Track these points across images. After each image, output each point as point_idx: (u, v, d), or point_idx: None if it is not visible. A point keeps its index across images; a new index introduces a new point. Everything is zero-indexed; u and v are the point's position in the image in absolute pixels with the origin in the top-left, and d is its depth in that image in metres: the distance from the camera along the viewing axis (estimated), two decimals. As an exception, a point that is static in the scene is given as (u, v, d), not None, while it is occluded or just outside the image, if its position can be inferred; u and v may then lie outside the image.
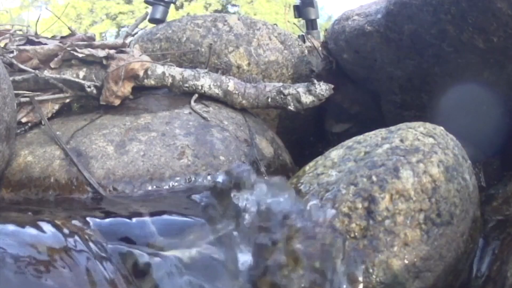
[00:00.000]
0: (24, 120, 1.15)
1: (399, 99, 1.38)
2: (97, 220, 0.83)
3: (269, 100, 1.29)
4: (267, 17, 10.05)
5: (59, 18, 1.62)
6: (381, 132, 0.90)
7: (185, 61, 1.44)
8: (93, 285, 0.75)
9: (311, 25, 1.99)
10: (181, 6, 10.85)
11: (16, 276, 0.69)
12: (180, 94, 1.30)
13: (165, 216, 0.84)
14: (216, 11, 11.10)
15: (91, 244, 0.80)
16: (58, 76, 1.19)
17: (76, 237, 0.80)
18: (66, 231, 0.81)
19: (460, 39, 1.12)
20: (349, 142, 0.92)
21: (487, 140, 1.20)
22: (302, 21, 2.07)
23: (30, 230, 0.78)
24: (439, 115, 1.23)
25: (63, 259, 0.75)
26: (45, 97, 1.19)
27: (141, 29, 1.62)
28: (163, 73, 1.27)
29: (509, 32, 1.04)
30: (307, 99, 1.28)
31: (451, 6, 1.09)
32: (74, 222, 0.84)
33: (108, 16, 11.79)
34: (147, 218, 0.81)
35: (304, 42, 1.69)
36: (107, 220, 0.85)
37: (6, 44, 1.27)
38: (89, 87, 1.20)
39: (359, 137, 0.93)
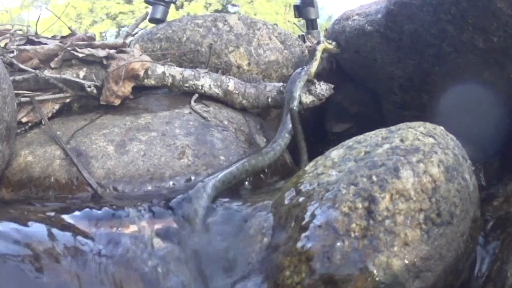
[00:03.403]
0: (24, 120, 1.15)
1: (399, 99, 1.38)
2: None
3: (269, 100, 1.29)
4: (267, 17, 10.05)
5: (59, 18, 1.62)
6: (381, 132, 0.90)
7: (185, 61, 1.44)
8: (92, 283, 0.75)
9: (311, 25, 1.99)
10: (181, 6, 10.85)
11: (15, 275, 0.69)
12: (180, 94, 1.30)
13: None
14: (216, 11, 11.10)
15: (88, 240, 0.80)
16: (58, 76, 1.19)
17: (73, 234, 0.80)
18: (63, 228, 0.81)
19: (460, 39, 1.12)
20: (349, 142, 0.92)
21: (487, 140, 1.20)
22: (302, 21, 2.07)
23: (29, 229, 0.79)
24: (439, 115, 1.23)
25: (61, 257, 0.75)
26: (45, 97, 1.19)
27: (141, 29, 1.62)
28: (163, 73, 1.27)
29: (509, 32, 1.04)
30: (307, 99, 1.28)
31: (451, 6, 1.09)
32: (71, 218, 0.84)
33: (108, 16, 11.79)
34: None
35: (304, 42, 1.69)
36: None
37: (6, 44, 1.27)
38: (89, 87, 1.20)
39: (359, 137, 0.93)
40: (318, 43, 1.45)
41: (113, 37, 12.55)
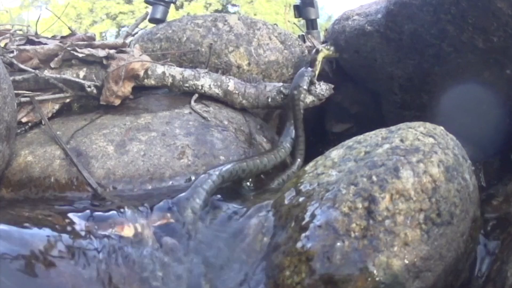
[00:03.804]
0: (24, 120, 1.15)
1: (399, 99, 1.38)
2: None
3: (269, 100, 1.29)
4: (267, 17, 10.04)
5: (59, 18, 1.62)
6: (381, 132, 0.90)
7: (185, 61, 1.44)
8: (92, 284, 0.75)
9: (311, 25, 1.99)
10: (181, 6, 10.84)
11: (15, 275, 0.69)
12: (180, 94, 1.30)
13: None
14: (216, 11, 11.10)
15: (87, 240, 0.80)
16: (58, 76, 1.19)
17: (73, 234, 0.80)
18: (63, 228, 0.81)
19: (460, 39, 1.12)
20: (349, 142, 0.92)
21: (487, 140, 1.20)
22: (302, 21, 2.07)
23: (28, 229, 0.79)
24: (439, 115, 1.23)
25: (61, 257, 0.75)
26: (45, 97, 1.19)
27: (141, 29, 1.62)
28: (163, 73, 1.27)
29: (509, 32, 1.04)
30: (307, 99, 1.28)
31: (451, 6, 1.09)
32: (70, 218, 0.84)
33: (108, 16, 11.79)
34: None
35: (304, 42, 1.69)
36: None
37: (6, 44, 1.27)
38: (89, 87, 1.20)
39: (359, 137, 0.93)
40: (317, 52, 1.41)
41: (113, 37, 12.55)
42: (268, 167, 1.09)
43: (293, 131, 1.21)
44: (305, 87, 1.25)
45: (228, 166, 1.00)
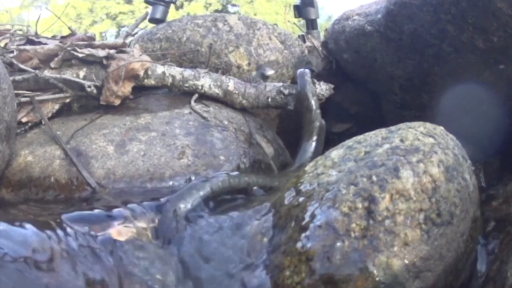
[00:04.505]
0: (24, 120, 1.15)
1: (399, 99, 1.38)
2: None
3: (269, 100, 1.29)
4: (267, 17, 10.05)
5: (59, 18, 1.62)
6: (381, 132, 0.90)
7: (185, 61, 1.44)
8: (89, 284, 0.75)
9: (311, 25, 1.99)
10: (181, 6, 10.85)
11: (14, 276, 0.69)
12: (180, 94, 1.30)
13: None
14: (216, 11, 11.11)
15: (87, 240, 0.80)
16: (58, 76, 1.20)
17: (71, 234, 0.81)
18: (61, 229, 0.81)
19: (460, 39, 1.12)
20: (349, 142, 0.92)
21: (487, 140, 1.20)
22: (302, 21, 2.07)
23: (27, 230, 0.79)
24: (439, 115, 1.23)
25: (59, 258, 0.75)
26: (45, 97, 1.19)
27: (141, 29, 1.62)
28: (163, 73, 1.27)
29: (509, 32, 1.04)
30: (307, 99, 1.28)
31: (451, 6, 1.09)
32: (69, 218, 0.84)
33: (108, 16, 11.80)
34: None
35: (304, 42, 1.69)
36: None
37: (6, 44, 1.27)
38: (89, 87, 1.20)
39: (359, 137, 0.93)
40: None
41: (113, 37, 12.56)
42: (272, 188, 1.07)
43: (310, 147, 1.20)
44: (311, 85, 1.23)
45: (234, 174, 0.99)
